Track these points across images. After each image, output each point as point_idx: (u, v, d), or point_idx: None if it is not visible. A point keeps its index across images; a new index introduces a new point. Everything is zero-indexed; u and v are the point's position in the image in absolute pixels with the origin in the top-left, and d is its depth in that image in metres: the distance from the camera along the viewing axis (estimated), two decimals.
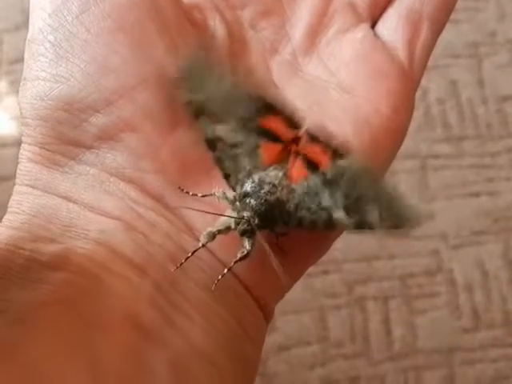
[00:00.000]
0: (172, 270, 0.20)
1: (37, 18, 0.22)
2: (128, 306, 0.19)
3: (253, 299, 0.21)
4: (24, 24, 0.65)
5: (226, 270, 0.20)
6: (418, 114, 0.61)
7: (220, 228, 0.20)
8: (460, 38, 0.65)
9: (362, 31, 0.25)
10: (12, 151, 0.59)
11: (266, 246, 0.19)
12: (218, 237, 0.20)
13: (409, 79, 0.24)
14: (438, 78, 0.63)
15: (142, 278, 0.19)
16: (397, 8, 0.25)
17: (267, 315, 0.22)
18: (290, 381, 0.55)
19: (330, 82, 0.24)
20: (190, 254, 0.20)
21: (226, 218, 0.20)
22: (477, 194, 0.60)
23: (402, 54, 0.24)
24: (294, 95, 0.23)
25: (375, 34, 0.25)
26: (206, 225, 0.20)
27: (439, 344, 0.56)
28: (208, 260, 0.21)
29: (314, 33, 0.25)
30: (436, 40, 0.25)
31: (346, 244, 0.57)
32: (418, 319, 0.56)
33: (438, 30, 0.25)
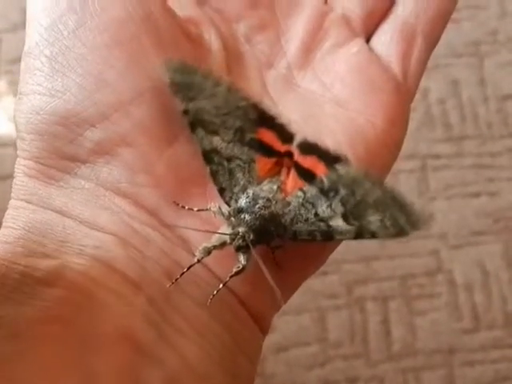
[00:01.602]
0: (167, 285, 0.20)
1: (33, 32, 0.21)
2: (123, 323, 0.19)
3: (248, 314, 0.21)
4: (23, 24, 0.64)
5: (221, 285, 0.20)
6: (418, 114, 0.61)
7: (215, 243, 0.20)
8: (461, 37, 0.64)
9: (356, 45, 0.25)
10: (11, 151, 0.59)
11: (260, 262, 0.19)
12: (214, 252, 0.20)
13: (403, 92, 0.24)
14: (439, 77, 0.63)
15: (136, 293, 0.19)
16: (391, 22, 0.25)
17: (263, 328, 0.22)
18: (288, 381, 0.55)
19: (325, 95, 0.24)
20: (185, 270, 0.20)
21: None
22: (477, 194, 0.60)
23: (396, 67, 0.24)
24: (289, 109, 0.23)
25: (370, 49, 0.25)
26: (202, 240, 0.20)
27: (439, 345, 0.56)
28: (203, 275, 0.21)
29: (309, 47, 0.25)
30: (430, 54, 0.25)
31: (345, 244, 0.56)
32: (417, 320, 0.56)
33: (431, 44, 0.25)
